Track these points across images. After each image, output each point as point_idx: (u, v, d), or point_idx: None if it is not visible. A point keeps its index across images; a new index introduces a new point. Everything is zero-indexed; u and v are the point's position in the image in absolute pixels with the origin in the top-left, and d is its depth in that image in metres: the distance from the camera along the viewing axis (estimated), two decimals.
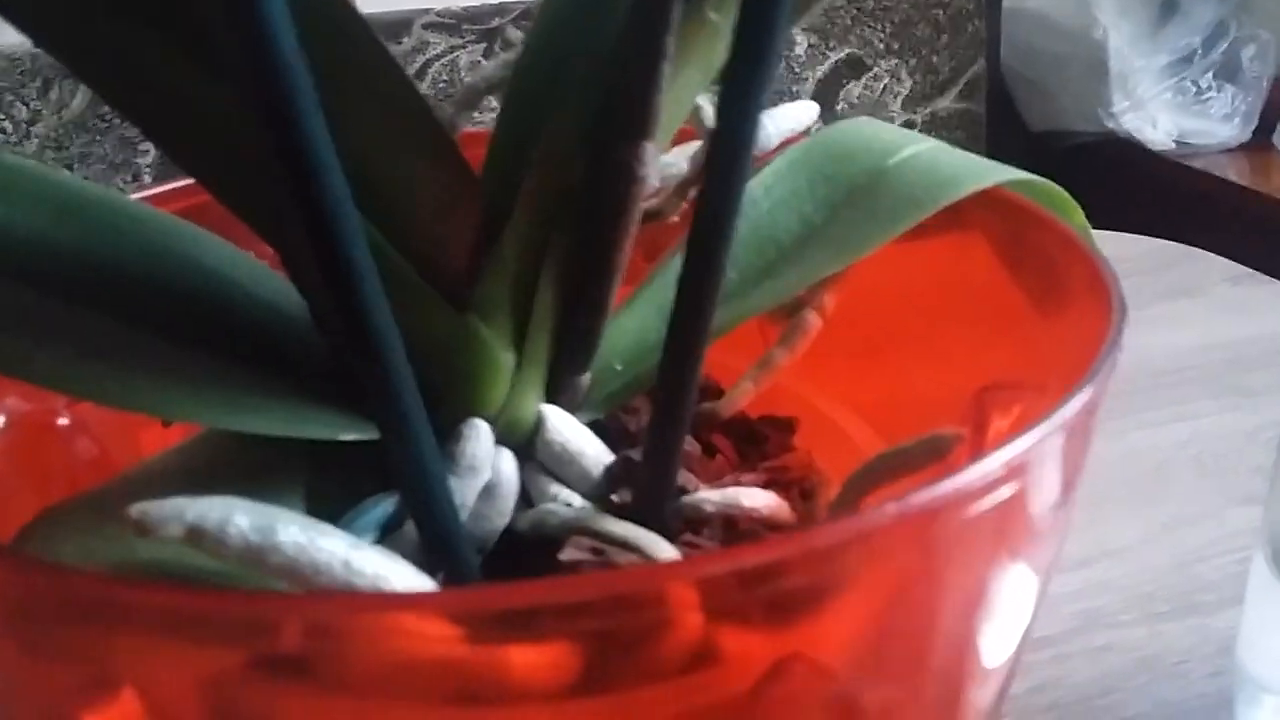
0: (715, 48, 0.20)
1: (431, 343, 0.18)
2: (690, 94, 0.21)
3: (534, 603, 0.12)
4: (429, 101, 0.18)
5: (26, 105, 0.90)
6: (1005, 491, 0.14)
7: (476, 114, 0.26)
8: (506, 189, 0.19)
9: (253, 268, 0.19)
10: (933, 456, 0.17)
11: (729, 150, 0.17)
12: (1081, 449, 0.16)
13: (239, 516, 0.15)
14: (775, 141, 0.24)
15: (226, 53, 0.14)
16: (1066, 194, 0.23)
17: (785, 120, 0.24)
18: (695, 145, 0.25)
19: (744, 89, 0.16)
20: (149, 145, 0.92)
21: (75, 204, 0.19)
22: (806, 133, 0.25)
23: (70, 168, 0.90)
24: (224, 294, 0.19)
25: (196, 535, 0.14)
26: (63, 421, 0.22)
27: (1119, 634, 0.32)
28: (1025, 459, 0.14)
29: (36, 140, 0.90)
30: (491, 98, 0.24)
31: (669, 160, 0.25)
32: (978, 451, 0.15)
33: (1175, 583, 0.34)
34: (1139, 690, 0.30)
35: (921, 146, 0.23)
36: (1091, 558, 0.35)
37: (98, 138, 0.92)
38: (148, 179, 0.93)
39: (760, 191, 0.23)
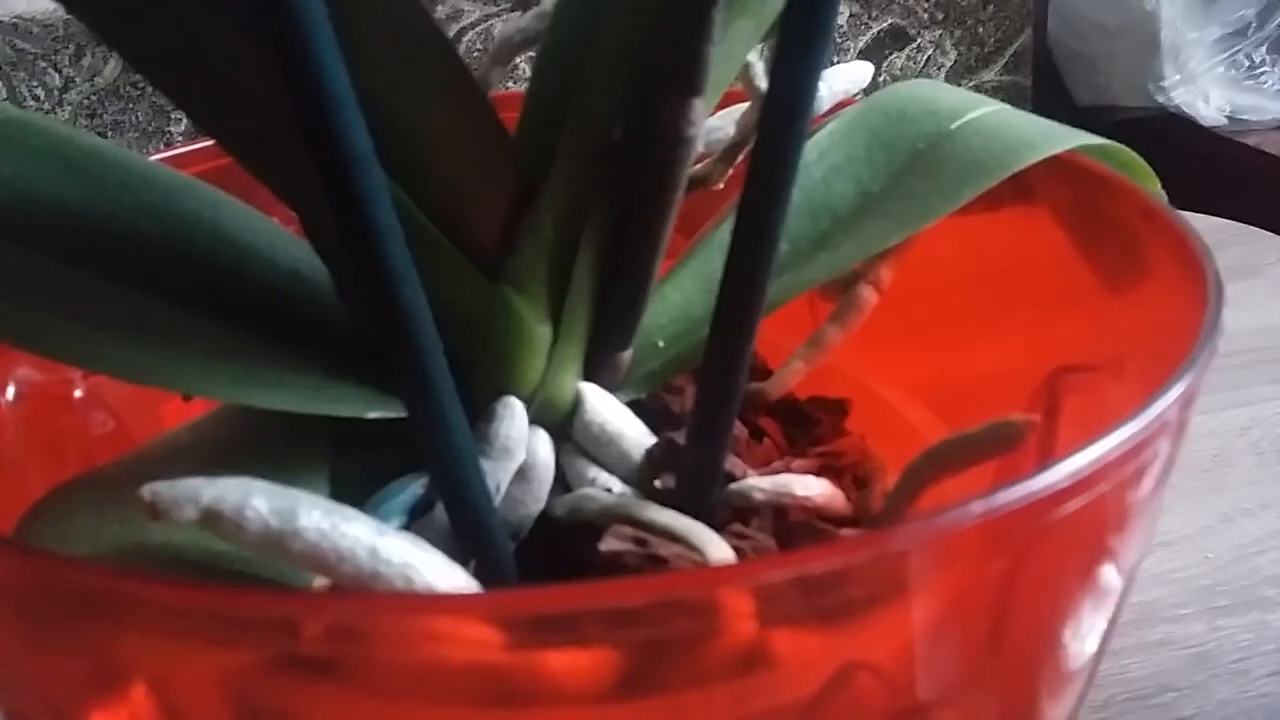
0: None
1: (463, 314, 0.17)
2: (741, 48, 0.19)
3: (578, 608, 0.11)
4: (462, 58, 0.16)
5: (59, 72, 0.90)
6: (1096, 493, 0.12)
7: (511, 79, 0.25)
8: (543, 150, 0.18)
9: (274, 233, 0.19)
10: (1002, 445, 0.16)
11: (784, 111, 0.15)
12: (1177, 441, 0.14)
13: (258, 499, 0.14)
14: (828, 104, 0.23)
15: None
16: (1142, 160, 0.22)
17: (839, 81, 0.23)
18: (743, 107, 0.23)
19: (801, 43, 0.15)
20: (182, 113, 0.92)
21: (81, 159, 0.18)
22: (861, 95, 0.23)
23: (103, 135, 0.90)
24: (243, 261, 0.18)
25: (213, 519, 0.13)
26: (78, 394, 0.21)
27: (1176, 629, 0.30)
28: (1120, 456, 0.12)
29: (69, 107, 0.90)
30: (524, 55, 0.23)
31: (715, 124, 0.24)
32: (1049, 440, 0.13)
33: (1235, 576, 0.32)
34: (1197, 688, 0.29)
35: (987, 109, 0.21)
36: (1148, 548, 0.34)
37: (130, 105, 0.92)
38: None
39: (814, 157, 0.22)
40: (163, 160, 0.22)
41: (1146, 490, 0.14)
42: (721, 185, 0.23)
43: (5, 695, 0.15)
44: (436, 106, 0.16)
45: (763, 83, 0.22)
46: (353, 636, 0.13)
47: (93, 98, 0.90)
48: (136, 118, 0.92)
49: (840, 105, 0.23)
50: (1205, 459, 0.38)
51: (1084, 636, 0.15)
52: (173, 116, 0.93)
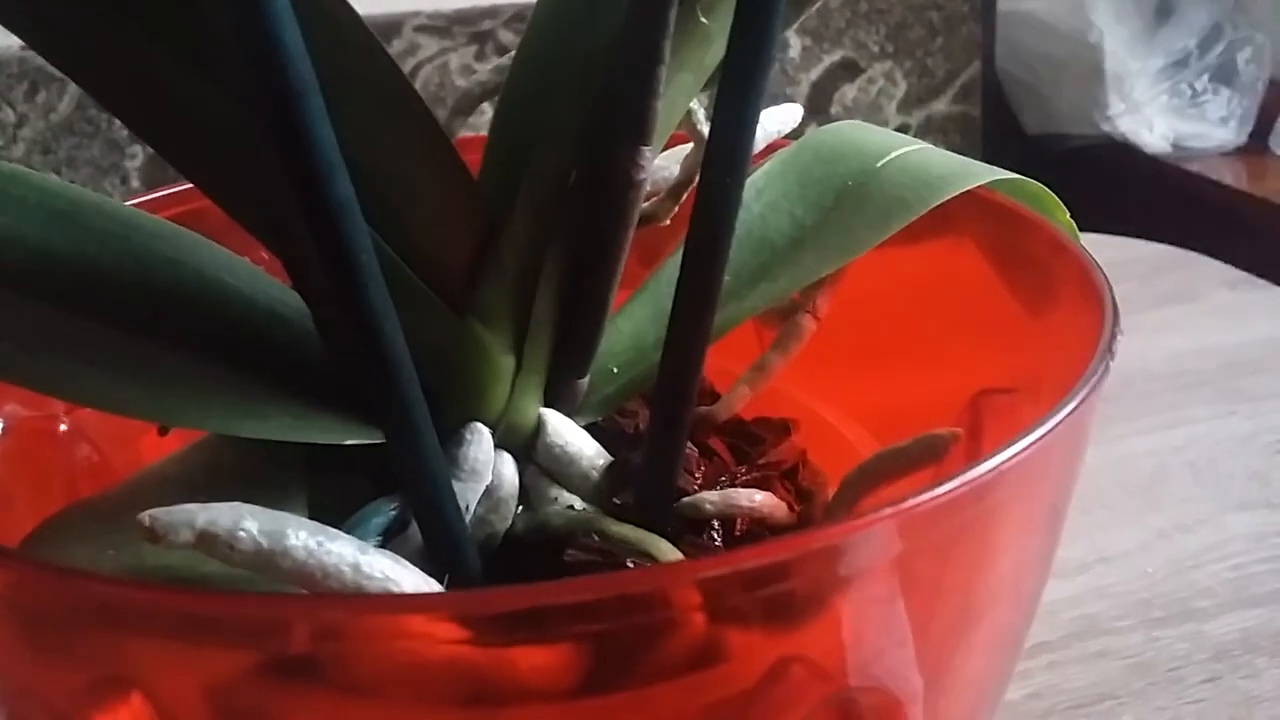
0: (707, 51, 0.20)
1: (433, 347, 0.18)
2: (683, 98, 0.21)
3: (541, 603, 0.13)
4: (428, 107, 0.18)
5: (14, 108, 0.90)
6: (998, 498, 0.14)
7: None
8: (504, 193, 0.19)
9: (251, 274, 0.20)
10: (929, 457, 0.18)
11: (725, 155, 0.17)
12: (1075, 454, 0.16)
13: (249, 521, 0.15)
14: (761, 144, 0.24)
15: (230, 58, 0.14)
16: (1051, 193, 0.23)
17: (771, 123, 0.24)
18: (687, 148, 0.25)
19: (740, 93, 0.17)
20: (136, 149, 0.92)
21: (68, 209, 0.19)
22: (793, 135, 0.25)
23: (58, 171, 0.90)
24: (222, 300, 0.19)
25: (208, 540, 0.14)
26: (62, 428, 0.22)
27: (1115, 640, 0.32)
28: (1017, 466, 0.14)
29: (24, 144, 0.90)
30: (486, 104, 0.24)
31: (660, 164, 0.25)
32: (974, 454, 0.15)
33: (1171, 589, 0.34)
34: (1135, 696, 0.30)
35: (909, 148, 0.23)
36: (1088, 564, 0.35)
37: (85, 141, 0.92)
38: (136, 183, 0.93)
39: (751, 194, 0.23)
40: (140, 205, 0.23)
41: (1045, 498, 0.15)
42: (668, 221, 0.25)
43: (9, 703, 0.16)
44: (408, 157, 0.18)
45: (704, 127, 0.23)
46: (336, 635, 0.14)
47: (47, 134, 0.91)
48: (92, 153, 0.92)
49: (772, 146, 0.25)
50: (1144, 478, 0.39)
51: (998, 632, 0.16)
52: (127, 152, 0.93)
